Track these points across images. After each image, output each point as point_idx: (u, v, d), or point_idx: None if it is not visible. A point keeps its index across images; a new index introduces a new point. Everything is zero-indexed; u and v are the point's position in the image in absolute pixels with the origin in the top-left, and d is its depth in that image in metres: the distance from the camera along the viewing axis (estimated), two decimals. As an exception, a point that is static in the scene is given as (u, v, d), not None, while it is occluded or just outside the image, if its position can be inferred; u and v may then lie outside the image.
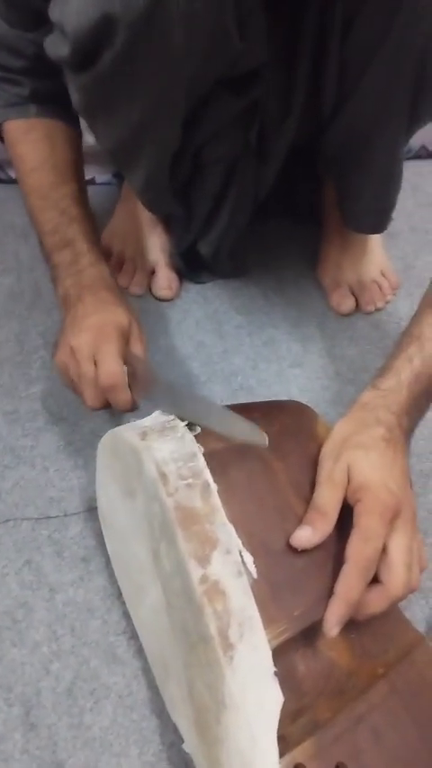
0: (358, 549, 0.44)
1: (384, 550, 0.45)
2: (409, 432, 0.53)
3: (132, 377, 0.57)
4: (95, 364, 0.57)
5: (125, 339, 0.59)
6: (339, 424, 0.52)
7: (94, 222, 0.69)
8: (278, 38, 0.63)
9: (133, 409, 0.59)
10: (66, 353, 0.59)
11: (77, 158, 0.71)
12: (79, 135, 0.73)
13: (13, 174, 1.04)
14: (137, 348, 0.60)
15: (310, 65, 0.66)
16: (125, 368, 0.56)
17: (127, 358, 0.57)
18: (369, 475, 0.47)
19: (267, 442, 0.46)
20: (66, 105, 0.61)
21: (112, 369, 0.56)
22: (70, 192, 0.67)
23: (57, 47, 0.54)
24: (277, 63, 0.65)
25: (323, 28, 0.62)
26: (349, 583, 0.43)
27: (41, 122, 0.68)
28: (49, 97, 0.67)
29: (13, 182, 1.05)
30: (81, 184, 0.70)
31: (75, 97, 0.59)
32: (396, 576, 0.45)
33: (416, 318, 0.57)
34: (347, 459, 0.48)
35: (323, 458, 0.50)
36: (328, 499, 0.47)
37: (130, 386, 0.57)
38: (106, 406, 0.59)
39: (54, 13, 0.50)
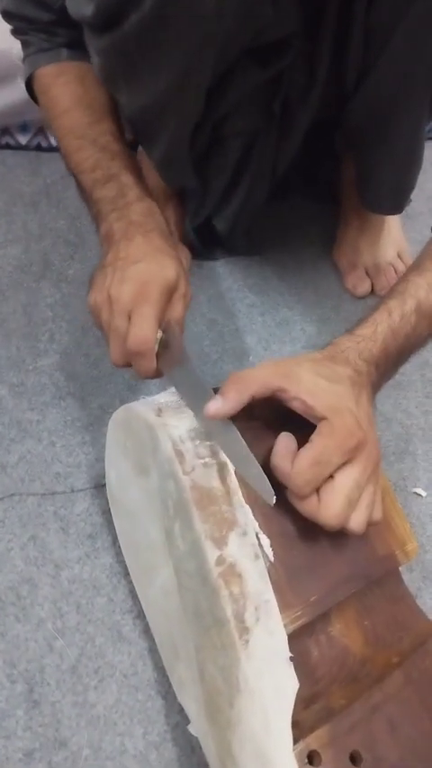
0: (303, 468, 0.42)
1: (331, 476, 0.43)
2: (375, 386, 0.50)
3: (164, 346, 0.53)
4: (129, 320, 0.53)
5: (168, 297, 0.54)
6: (304, 354, 0.49)
7: (136, 160, 0.65)
8: (305, 5, 0.60)
9: (155, 377, 0.55)
10: (103, 298, 0.55)
11: (111, 99, 0.66)
12: None
13: (22, 140, 1.01)
14: (177, 308, 0.55)
15: (336, 34, 0.63)
16: (159, 334, 0.53)
17: (165, 325, 0.53)
18: (335, 401, 0.44)
19: (273, 501, 0.43)
20: None
21: (142, 334, 0.51)
22: (108, 129, 0.63)
23: (79, 5, 0.51)
24: (303, 32, 0.63)
25: None
26: (292, 479, 0.42)
27: (72, 65, 0.65)
28: (80, 43, 0.64)
29: (22, 148, 1.03)
30: (118, 124, 0.66)
31: (95, 61, 0.57)
32: (332, 500, 0.42)
33: (403, 276, 0.56)
34: (308, 382, 0.45)
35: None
36: (255, 373, 0.45)
37: (159, 354, 0.53)
38: (129, 365, 0.55)
39: None
